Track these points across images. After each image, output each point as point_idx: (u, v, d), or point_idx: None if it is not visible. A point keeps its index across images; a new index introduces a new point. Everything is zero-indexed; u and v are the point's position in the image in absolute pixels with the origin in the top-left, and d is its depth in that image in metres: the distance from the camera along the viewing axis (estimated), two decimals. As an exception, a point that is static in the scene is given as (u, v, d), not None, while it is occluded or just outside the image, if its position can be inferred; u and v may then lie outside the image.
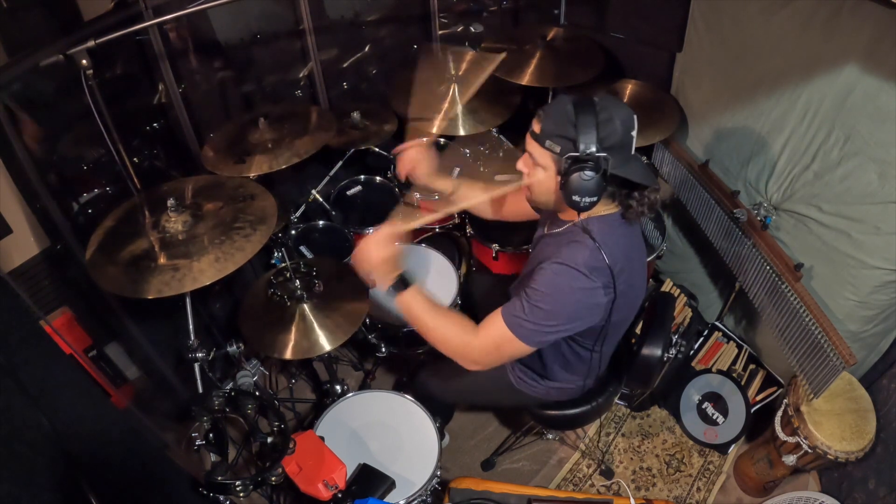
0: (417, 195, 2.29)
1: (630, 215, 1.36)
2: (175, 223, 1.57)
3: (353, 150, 2.45)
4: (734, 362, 2.39)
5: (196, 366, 1.77)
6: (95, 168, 1.96)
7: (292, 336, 1.80)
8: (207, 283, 1.46)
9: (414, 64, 2.26)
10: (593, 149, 1.22)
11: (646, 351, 1.64)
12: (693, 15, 2.12)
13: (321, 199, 2.41)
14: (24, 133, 1.68)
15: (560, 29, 2.44)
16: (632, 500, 1.63)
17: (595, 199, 1.25)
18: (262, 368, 2.46)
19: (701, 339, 2.46)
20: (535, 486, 1.91)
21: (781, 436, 1.93)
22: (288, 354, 1.77)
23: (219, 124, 2.12)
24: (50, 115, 1.81)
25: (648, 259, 2.23)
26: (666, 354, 1.66)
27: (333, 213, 2.41)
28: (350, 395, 1.86)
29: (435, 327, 1.46)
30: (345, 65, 2.62)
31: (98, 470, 1.12)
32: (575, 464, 2.31)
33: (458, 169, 2.44)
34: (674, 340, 1.82)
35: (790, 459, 1.92)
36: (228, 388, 1.72)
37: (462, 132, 2.30)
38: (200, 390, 1.78)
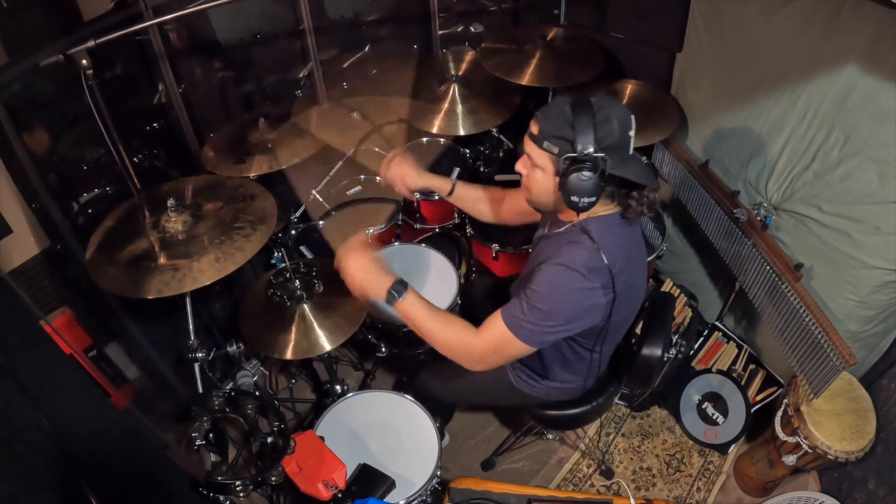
0: (417, 195, 2.30)
1: (629, 215, 1.36)
2: (175, 223, 1.58)
3: (353, 150, 2.45)
4: (734, 362, 2.39)
5: (196, 366, 1.77)
6: (95, 168, 1.96)
7: (292, 336, 1.80)
8: (207, 284, 1.46)
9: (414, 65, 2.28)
10: (591, 149, 1.22)
11: (646, 351, 1.64)
12: (693, 15, 2.12)
13: (321, 199, 2.41)
14: (30, 137, 1.69)
15: (560, 29, 2.44)
16: (632, 500, 1.63)
17: (593, 199, 1.25)
18: (262, 368, 2.46)
19: (701, 339, 2.46)
20: (535, 486, 1.91)
21: (781, 436, 1.93)
22: (288, 354, 1.77)
23: (219, 124, 2.12)
24: (50, 115, 1.82)
25: (648, 259, 2.23)
26: (666, 354, 1.66)
27: (333, 213, 2.41)
28: (350, 395, 1.85)
29: (436, 331, 1.46)
30: (345, 65, 2.62)
31: (98, 470, 1.12)
32: (575, 464, 2.31)
33: (457, 169, 2.44)
34: (674, 340, 1.82)
35: (790, 459, 1.93)
36: (228, 388, 1.72)
37: (462, 132, 2.31)
38: (200, 390, 1.78)
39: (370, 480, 1.57)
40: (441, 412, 1.92)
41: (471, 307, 2.10)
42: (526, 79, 2.21)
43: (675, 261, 2.66)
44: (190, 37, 2.09)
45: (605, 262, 1.30)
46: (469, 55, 2.55)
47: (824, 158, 1.77)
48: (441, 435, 1.78)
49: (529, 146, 1.33)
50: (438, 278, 2.16)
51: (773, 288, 1.94)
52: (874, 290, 1.77)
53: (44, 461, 0.99)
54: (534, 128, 1.31)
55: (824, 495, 1.93)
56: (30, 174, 1.70)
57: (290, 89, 2.50)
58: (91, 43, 1.48)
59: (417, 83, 2.28)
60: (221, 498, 1.46)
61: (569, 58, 2.29)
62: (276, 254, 2.25)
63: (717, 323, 2.49)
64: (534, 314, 1.33)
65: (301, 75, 2.47)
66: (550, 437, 2.34)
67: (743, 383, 2.31)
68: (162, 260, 1.50)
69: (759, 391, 2.31)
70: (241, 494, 1.36)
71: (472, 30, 2.83)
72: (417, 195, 2.27)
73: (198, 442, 1.49)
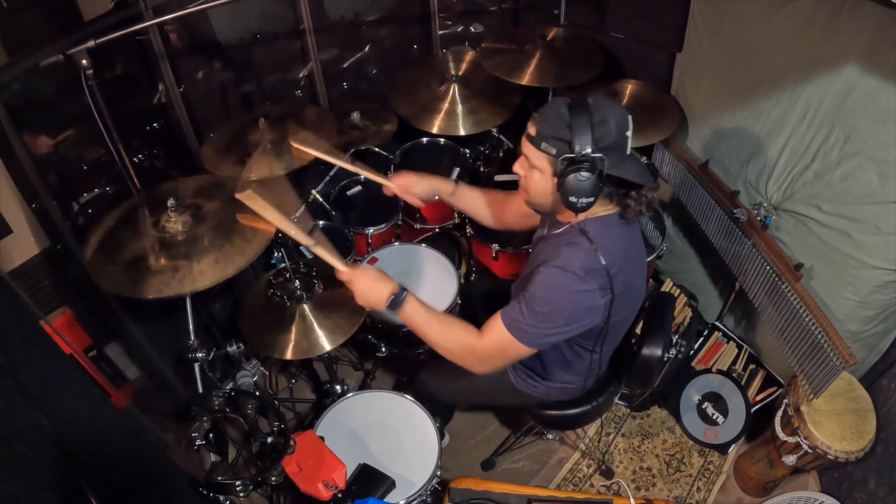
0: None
1: (628, 215, 1.35)
2: (175, 223, 1.57)
3: (353, 150, 2.45)
4: (734, 362, 2.39)
5: (196, 366, 1.77)
6: (95, 168, 1.96)
7: (292, 336, 1.80)
8: (208, 285, 1.46)
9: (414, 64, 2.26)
10: (589, 150, 1.22)
11: (646, 351, 1.64)
12: (693, 15, 2.12)
13: (321, 199, 2.41)
14: (30, 137, 1.69)
15: (560, 29, 2.44)
16: (632, 500, 1.63)
17: (591, 199, 1.25)
18: (262, 368, 2.46)
19: (701, 339, 2.46)
20: (535, 486, 1.91)
21: (781, 436, 1.93)
22: (288, 354, 1.77)
23: (219, 124, 2.12)
24: (50, 115, 1.82)
25: (648, 259, 2.23)
26: (666, 354, 1.66)
27: (333, 213, 2.41)
28: (350, 395, 1.86)
29: (439, 334, 1.46)
30: (345, 65, 2.62)
31: (98, 470, 1.12)
32: (575, 464, 2.31)
33: (457, 169, 2.44)
34: (674, 340, 1.82)
35: (790, 459, 1.93)
36: (228, 388, 1.72)
37: (462, 132, 2.31)
38: (200, 390, 1.78)
39: (370, 480, 1.57)
40: (441, 412, 1.92)
41: (471, 308, 2.10)
42: (526, 79, 2.21)
43: (675, 261, 2.66)
44: (190, 37, 2.09)
45: (603, 262, 1.29)
46: (469, 55, 2.55)
47: (824, 158, 1.77)
48: (441, 435, 1.78)
49: (527, 147, 1.33)
50: (438, 278, 2.16)
51: (773, 288, 1.94)
52: (874, 290, 1.77)
53: (44, 461, 0.99)
54: (531, 129, 1.31)
55: (824, 495, 1.93)
56: (30, 174, 1.70)
57: (290, 89, 2.50)
58: (91, 43, 1.48)
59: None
60: (221, 498, 1.46)
61: (569, 58, 2.29)
62: (276, 254, 2.25)
63: (717, 323, 2.49)
64: (533, 317, 1.33)
65: (301, 75, 2.48)
66: (550, 437, 2.34)
67: (743, 383, 2.30)
68: (162, 260, 1.50)
69: (759, 391, 2.31)
70: (241, 494, 1.36)
71: (472, 30, 2.83)
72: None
73: (198, 442, 1.49)
